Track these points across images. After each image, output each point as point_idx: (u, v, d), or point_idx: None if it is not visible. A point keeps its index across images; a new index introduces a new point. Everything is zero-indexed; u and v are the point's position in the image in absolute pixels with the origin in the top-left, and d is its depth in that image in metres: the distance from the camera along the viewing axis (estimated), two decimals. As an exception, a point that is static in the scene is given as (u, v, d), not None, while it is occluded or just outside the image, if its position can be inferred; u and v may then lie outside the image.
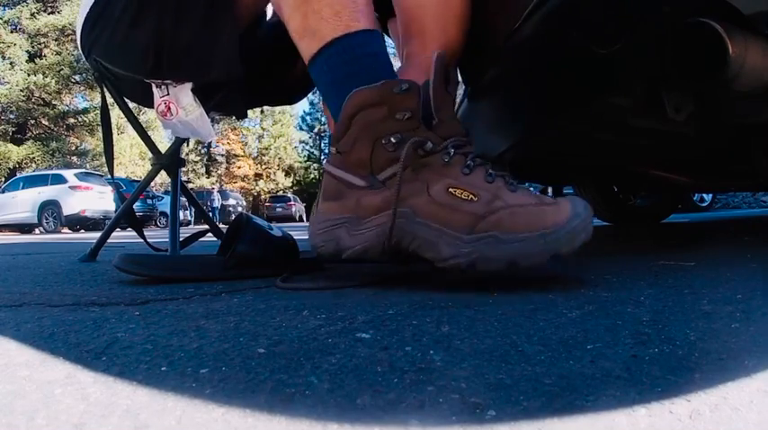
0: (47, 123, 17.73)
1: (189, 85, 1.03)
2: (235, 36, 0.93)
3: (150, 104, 1.08)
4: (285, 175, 26.07)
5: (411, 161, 0.62)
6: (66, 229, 10.69)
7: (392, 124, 0.63)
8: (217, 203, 16.25)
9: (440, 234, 0.60)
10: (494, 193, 0.60)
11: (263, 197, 23.78)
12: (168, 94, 1.03)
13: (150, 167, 1.33)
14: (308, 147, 29.80)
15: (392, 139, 0.63)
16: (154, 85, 1.04)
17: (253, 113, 23.86)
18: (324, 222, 0.68)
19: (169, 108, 1.04)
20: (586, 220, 0.60)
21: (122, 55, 1.02)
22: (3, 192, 11.58)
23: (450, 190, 0.61)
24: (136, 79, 1.06)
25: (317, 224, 0.69)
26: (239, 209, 16.75)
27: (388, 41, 1.02)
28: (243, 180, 25.50)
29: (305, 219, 18.54)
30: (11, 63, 16.95)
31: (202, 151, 25.10)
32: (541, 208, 0.59)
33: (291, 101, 1.34)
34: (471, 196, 0.60)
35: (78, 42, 1.10)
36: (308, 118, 30.11)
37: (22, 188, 11.28)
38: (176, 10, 0.93)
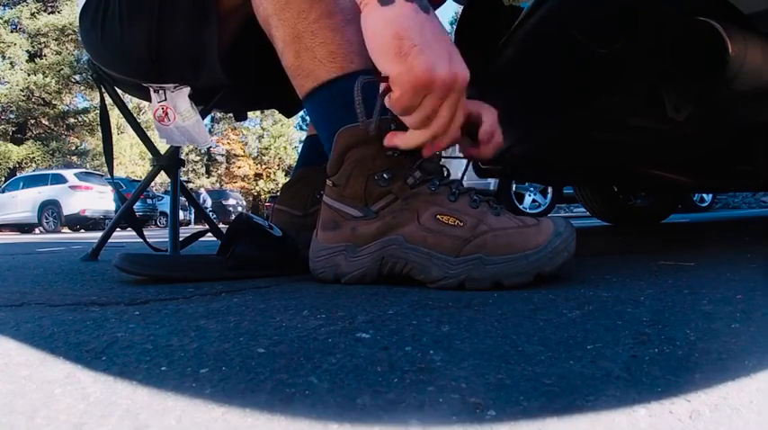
0: (47, 123, 17.74)
1: (186, 91, 1.02)
2: (213, 41, 0.91)
3: (149, 98, 1.07)
4: (285, 175, 26.04)
5: (401, 192, 0.67)
6: (66, 229, 10.69)
7: (383, 161, 0.68)
8: (208, 204, 15.68)
9: (429, 257, 0.64)
10: (478, 218, 0.64)
11: (263, 197, 23.74)
12: (166, 99, 1.03)
13: (150, 167, 1.33)
14: (308, 147, 29.70)
15: (384, 175, 0.68)
16: (152, 90, 1.04)
17: (253, 113, 23.73)
18: (323, 250, 0.73)
19: (166, 113, 1.04)
20: (567, 239, 0.63)
21: (115, 58, 1.01)
22: (3, 191, 11.56)
23: (438, 216, 0.65)
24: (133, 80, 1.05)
25: (317, 252, 0.74)
26: (239, 209, 16.71)
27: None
28: (243, 180, 25.47)
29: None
30: (11, 63, 16.96)
31: (202, 151, 25.07)
32: (523, 230, 0.64)
33: (289, 113, 1.29)
34: (457, 222, 0.64)
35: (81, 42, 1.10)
36: (308, 118, 29.99)
37: (22, 188, 11.26)
38: (162, 13, 0.91)
